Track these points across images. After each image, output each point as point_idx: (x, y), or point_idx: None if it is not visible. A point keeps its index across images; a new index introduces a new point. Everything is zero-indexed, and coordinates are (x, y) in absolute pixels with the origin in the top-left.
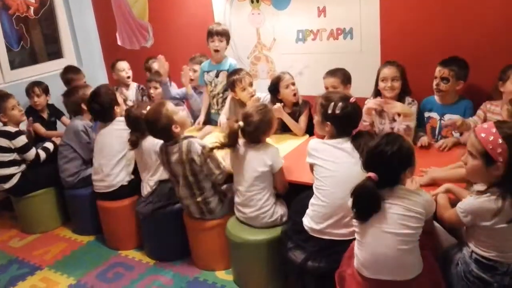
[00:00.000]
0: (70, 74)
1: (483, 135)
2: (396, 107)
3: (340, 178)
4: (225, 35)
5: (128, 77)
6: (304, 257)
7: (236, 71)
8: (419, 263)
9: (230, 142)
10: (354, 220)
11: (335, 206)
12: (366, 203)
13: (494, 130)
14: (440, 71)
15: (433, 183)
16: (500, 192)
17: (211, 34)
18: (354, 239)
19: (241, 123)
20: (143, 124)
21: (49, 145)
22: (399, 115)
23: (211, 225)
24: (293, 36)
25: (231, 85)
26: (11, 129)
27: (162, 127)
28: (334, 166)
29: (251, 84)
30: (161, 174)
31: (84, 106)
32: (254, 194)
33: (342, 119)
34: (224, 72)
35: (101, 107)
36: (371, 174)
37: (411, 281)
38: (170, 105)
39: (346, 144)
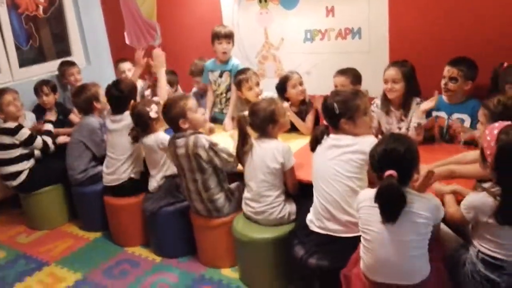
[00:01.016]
0: (64, 66)
1: (487, 132)
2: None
3: (325, 174)
4: (232, 37)
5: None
6: (303, 253)
7: (243, 71)
8: (426, 267)
9: (241, 137)
10: (360, 224)
11: (326, 201)
12: (395, 201)
13: (496, 131)
14: (449, 70)
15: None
16: (497, 191)
17: (218, 36)
18: (351, 237)
19: (245, 112)
20: (145, 122)
21: (48, 127)
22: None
23: (218, 223)
24: (301, 35)
25: (237, 85)
26: (11, 125)
27: (172, 117)
28: (320, 163)
29: (257, 84)
30: (167, 169)
31: (96, 104)
32: (265, 190)
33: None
34: (227, 72)
35: (120, 93)
36: (391, 172)
37: (418, 285)
38: (191, 102)
39: (345, 140)
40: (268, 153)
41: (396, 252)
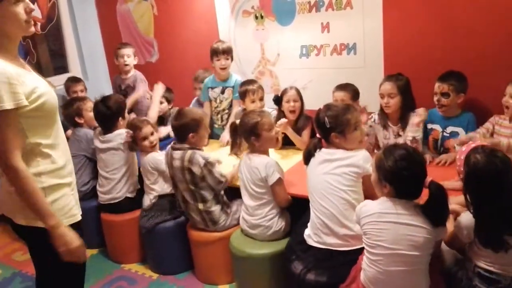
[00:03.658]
0: (68, 82)
1: (458, 156)
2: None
3: (320, 188)
4: (230, 52)
5: (127, 65)
6: (302, 268)
7: (251, 82)
8: (427, 282)
9: (233, 144)
10: (367, 239)
11: (323, 215)
12: (446, 201)
13: (463, 157)
14: (439, 86)
15: None
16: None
17: (216, 53)
18: (349, 251)
19: (238, 121)
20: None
21: None
22: None
23: (215, 239)
24: (297, 51)
25: (242, 94)
26: None
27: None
28: (314, 177)
29: (261, 99)
30: (161, 188)
31: (78, 119)
32: (255, 205)
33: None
34: (230, 89)
35: (108, 110)
36: (430, 178)
37: None
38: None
39: (337, 154)
40: (254, 169)
41: (403, 266)
